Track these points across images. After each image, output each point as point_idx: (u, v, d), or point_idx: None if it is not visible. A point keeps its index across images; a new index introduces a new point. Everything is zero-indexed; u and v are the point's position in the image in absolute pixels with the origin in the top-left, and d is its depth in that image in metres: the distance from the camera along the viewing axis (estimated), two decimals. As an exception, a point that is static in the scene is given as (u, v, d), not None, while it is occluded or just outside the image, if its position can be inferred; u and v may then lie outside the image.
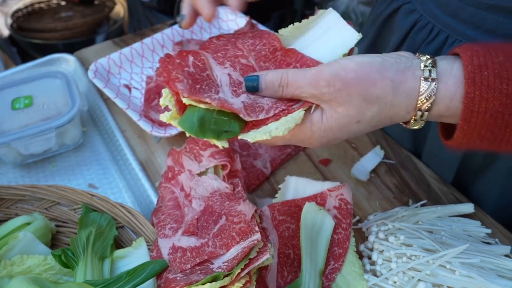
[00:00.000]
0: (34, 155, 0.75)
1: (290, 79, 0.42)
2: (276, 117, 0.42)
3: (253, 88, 0.43)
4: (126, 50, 0.88)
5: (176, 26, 0.95)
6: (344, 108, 0.40)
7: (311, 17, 0.49)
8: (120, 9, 1.60)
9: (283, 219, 0.56)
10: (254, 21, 0.95)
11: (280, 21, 1.49)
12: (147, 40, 0.91)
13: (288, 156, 0.72)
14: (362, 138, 0.75)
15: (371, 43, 0.81)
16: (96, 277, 0.51)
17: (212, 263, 0.49)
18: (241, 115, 0.42)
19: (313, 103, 0.42)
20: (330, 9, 0.48)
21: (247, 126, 0.43)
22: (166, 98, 0.44)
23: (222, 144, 0.42)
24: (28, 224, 0.58)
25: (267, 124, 0.42)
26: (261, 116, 0.42)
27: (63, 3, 1.58)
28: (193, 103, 0.42)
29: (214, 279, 0.44)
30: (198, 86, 0.43)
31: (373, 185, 0.68)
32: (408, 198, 0.66)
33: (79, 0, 1.58)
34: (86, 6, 1.58)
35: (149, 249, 0.54)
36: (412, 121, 0.41)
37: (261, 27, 0.95)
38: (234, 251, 0.49)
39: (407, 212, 0.60)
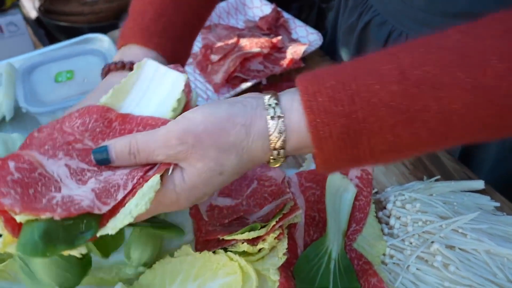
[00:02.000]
0: (74, 125, 0.81)
1: (140, 145, 0.39)
2: (133, 192, 0.37)
3: (104, 161, 0.39)
4: (158, 31, 0.93)
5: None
6: (203, 163, 0.38)
7: (129, 74, 0.45)
8: (143, -4, 1.65)
9: (309, 186, 0.62)
10: (279, 9, 1.00)
11: (299, 12, 1.54)
12: (177, 23, 0.96)
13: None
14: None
15: (355, 54, 0.84)
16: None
17: (248, 219, 0.54)
18: (96, 211, 0.35)
19: (170, 164, 0.39)
20: (145, 59, 0.45)
21: (104, 216, 0.36)
22: None
23: (79, 251, 0.35)
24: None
25: (125, 205, 0.36)
26: (120, 196, 0.37)
27: (89, -13, 1.64)
28: (30, 217, 0.33)
29: (252, 229, 0.50)
30: (32, 191, 0.35)
31: (390, 162, 0.73)
32: (423, 175, 0.71)
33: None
34: (111, -9, 1.63)
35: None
36: (271, 160, 0.40)
37: (285, 14, 1.00)
38: (267, 209, 0.54)
39: (422, 186, 0.65)
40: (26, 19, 1.54)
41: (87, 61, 0.85)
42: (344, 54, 0.89)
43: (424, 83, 0.35)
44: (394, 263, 0.55)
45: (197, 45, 0.96)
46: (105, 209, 0.36)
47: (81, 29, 1.49)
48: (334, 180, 0.61)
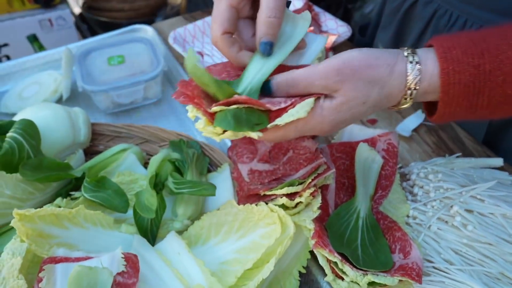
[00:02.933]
0: (122, 105, 0.89)
1: (299, 77, 0.47)
2: (293, 104, 0.46)
3: (267, 91, 0.49)
4: (199, 22, 1.01)
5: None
6: (353, 92, 0.46)
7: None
8: (178, -6, 1.75)
9: (340, 156, 0.68)
10: (310, 3, 1.07)
11: (327, 9, 1.59)
12: (216, 15, 1.04)
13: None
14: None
15: (395, 34, 0.91)
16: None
17: (285, 180, 0.61)
18: (268, 105, 0.46)
19: (321, 94, 0.47)
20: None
21: (271, 117, 0.47)
22: (193, 111, 0.47)
23: (257, 134, 0.46)
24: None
25: (287, 111, 0.46)
26: (283, 105, 0.47)
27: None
28: (223, 107, 0.46)
29: (290, 185, 0.56)
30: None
31: (414, 141, 0.79)
32: (445, 154, 0.76)
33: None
34: (149, -10, 1.73)
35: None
36: (402, 100, 0.48)
37: (316, 8, 1.07)
38: (303, 171, 0.61)
39: (444, 161, 0.70)
40: (72, 13, 1.65)
41: (135, 48, 0.93)
42: (381, 36, 0.95)
43: None
44: (416, 223, 0.61)
45: (234, 36, 1.03)
46: (274, 108, 0.47)
47: (121, 25, 1.58)
48: (363, 151, 0.67)
